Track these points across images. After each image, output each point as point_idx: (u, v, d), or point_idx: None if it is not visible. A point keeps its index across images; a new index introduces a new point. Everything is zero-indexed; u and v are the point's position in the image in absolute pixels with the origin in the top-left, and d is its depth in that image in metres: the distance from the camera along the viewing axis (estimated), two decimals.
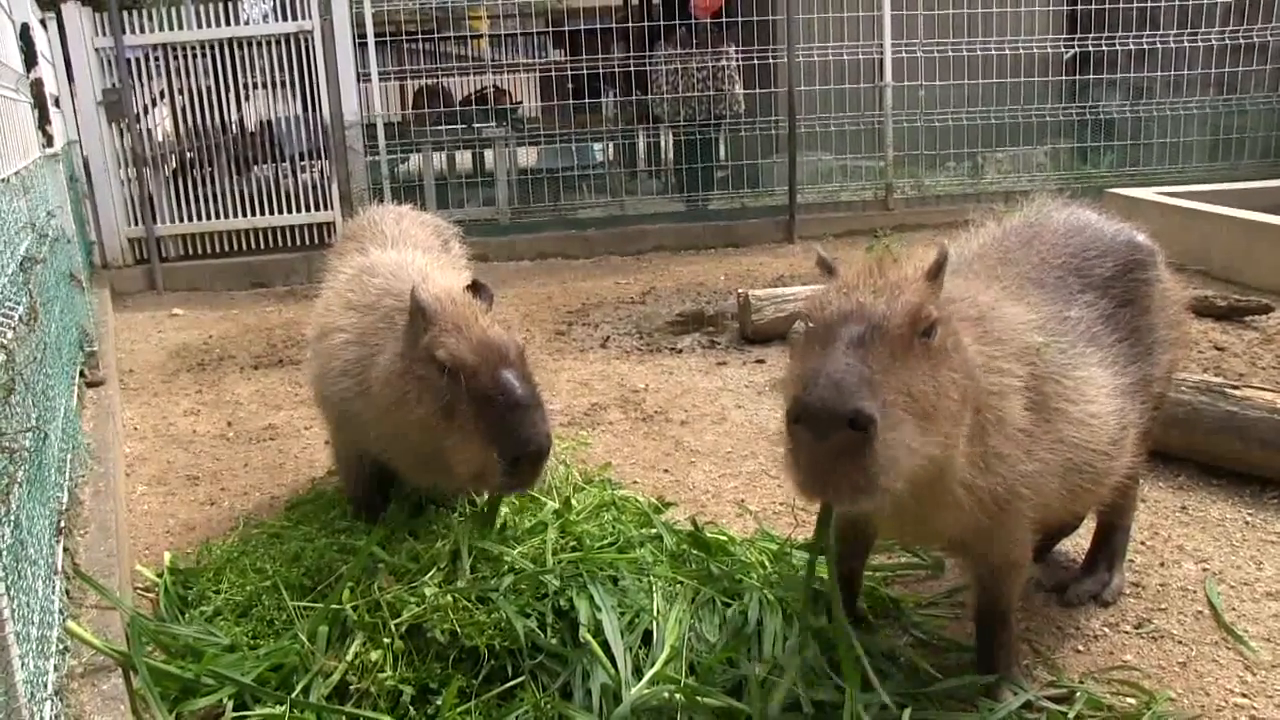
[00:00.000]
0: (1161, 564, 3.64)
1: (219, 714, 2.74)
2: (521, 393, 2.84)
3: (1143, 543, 3.77)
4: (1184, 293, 3.30)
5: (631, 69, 10.61)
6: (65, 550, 3.28)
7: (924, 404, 2.22)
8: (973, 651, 2.95)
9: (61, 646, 2.78)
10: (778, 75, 10.54)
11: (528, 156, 11.81)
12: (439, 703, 2.73)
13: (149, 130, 9.67)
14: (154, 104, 9.73)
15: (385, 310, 3.36)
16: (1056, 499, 2.74)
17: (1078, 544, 3.69)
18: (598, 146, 11.77)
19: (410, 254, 3.80)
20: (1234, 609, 3.33)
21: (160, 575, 3.54)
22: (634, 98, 11.04)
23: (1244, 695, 2.90)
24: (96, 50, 9.20)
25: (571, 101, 11.55)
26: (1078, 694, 2.84)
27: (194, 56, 9.48)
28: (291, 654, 2.89)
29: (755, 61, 10.51)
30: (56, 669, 2.63)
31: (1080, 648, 3.18)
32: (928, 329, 2.28)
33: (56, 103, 8.41)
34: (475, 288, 3.21)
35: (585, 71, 10.57)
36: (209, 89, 9.61)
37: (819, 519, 2.68)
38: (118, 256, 9.60)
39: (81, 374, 5.46)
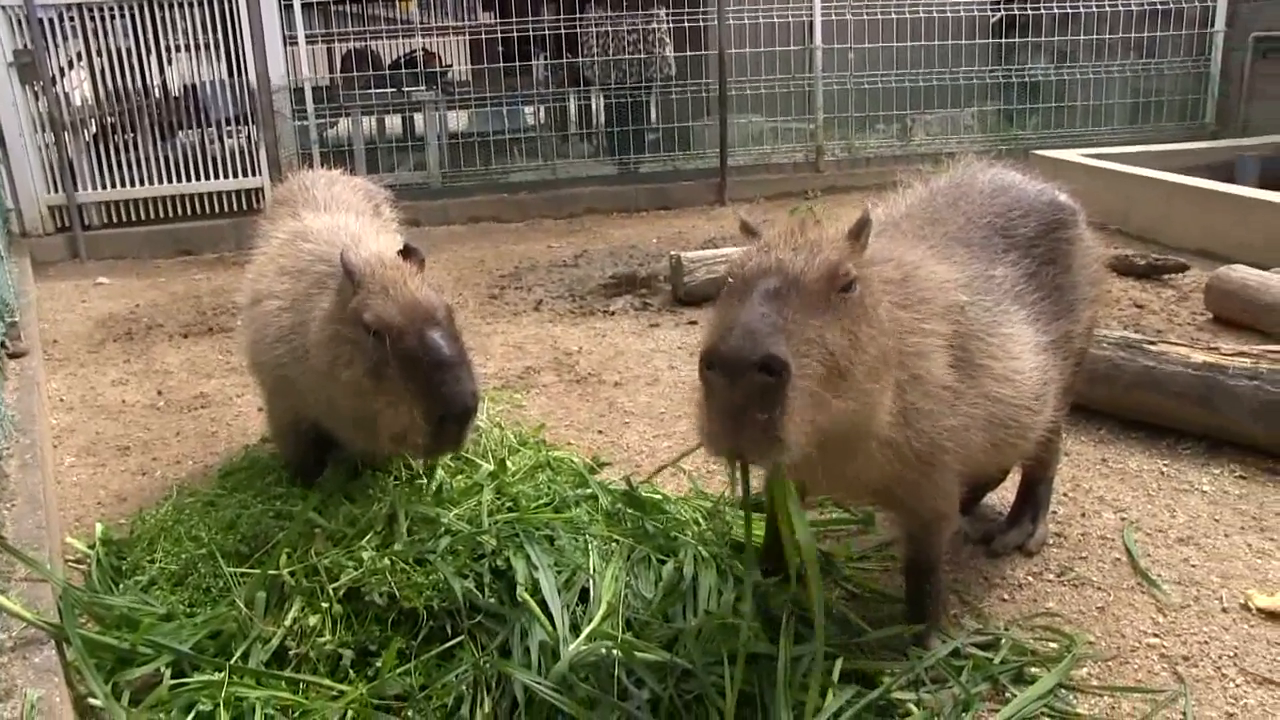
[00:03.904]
0: (1083, 514, 3.77)
1: (156, 683, 2.71)
2: (447, 352, 2.82)
3: (1065, 494, 3.90)
4: (1105, 251, 3.40)
5: (562, 31, 10.50)
6: None
7: (839, 358, 2.23)
8: (903, 603, 3.04)
9: None
10: (708, 38, 10.52)
11: (458, 120, 11.66)
12: (379, 664, 2.75)
13: (66, 94, 9.35)
14: (71, 66, 9.40)
15: (318, 275, 3.33)
16: (982, 453, 2.82)
17: (1003, 497, 3.81)
18: (528, 110, 11.65)
19: (342, 218, 3.76)
20: (1149, 555, 3.47)
21: (92, 547, 3.49)
22: (564, 60, 10.94)
23: (1156, 635, 3.04)
24: (4, 9, 8.84)
25: (502, 64, 11.40)
26: (1003, 640, 2.95)
27: (111, 17, 9.16)
28: (229, 620, 2.88)
29: (685, 24, 10.48)
30: None
31: (1006, 596, 3.29)
32: (846, 285, 2.31)
33: None
34: (407, 251, 3.19)
35: (515, 34, 10.43)
36: (129, 50, 9.30)
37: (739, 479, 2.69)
38: (37, 225, 9.28)
39: (2, 345, 5.32)
